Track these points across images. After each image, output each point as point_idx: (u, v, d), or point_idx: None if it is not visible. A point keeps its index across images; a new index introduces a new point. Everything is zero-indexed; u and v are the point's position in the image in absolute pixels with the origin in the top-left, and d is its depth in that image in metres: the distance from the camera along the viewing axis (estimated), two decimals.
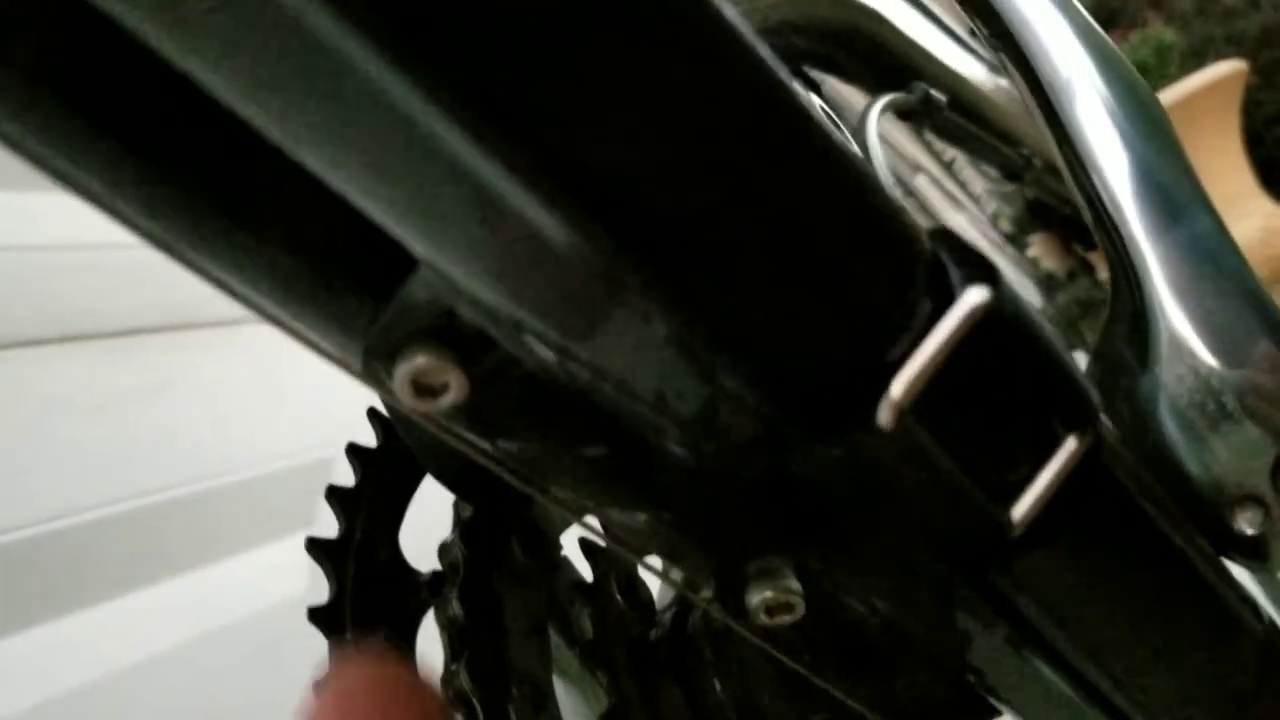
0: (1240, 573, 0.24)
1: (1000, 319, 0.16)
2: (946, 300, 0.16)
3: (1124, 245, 0.24)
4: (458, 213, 0.14)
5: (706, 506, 0.19)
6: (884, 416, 0.15)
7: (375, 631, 0.26)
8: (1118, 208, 0.25)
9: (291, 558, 0.79)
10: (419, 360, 0.17)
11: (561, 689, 0.30)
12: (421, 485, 0.28)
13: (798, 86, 0.15)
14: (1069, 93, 0.28)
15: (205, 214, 0.16)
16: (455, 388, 0.17)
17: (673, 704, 0.28)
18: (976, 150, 0.52)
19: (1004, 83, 0.52)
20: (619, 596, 0.29)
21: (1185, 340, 0.23)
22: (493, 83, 0.12)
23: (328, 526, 0.27)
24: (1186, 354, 0.23)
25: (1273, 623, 0.23)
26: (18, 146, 0.15)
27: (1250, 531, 0.23)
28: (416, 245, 0.15)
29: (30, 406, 0.67)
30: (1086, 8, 0.31)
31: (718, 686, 0.28)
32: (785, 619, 0.20)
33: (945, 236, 0.17)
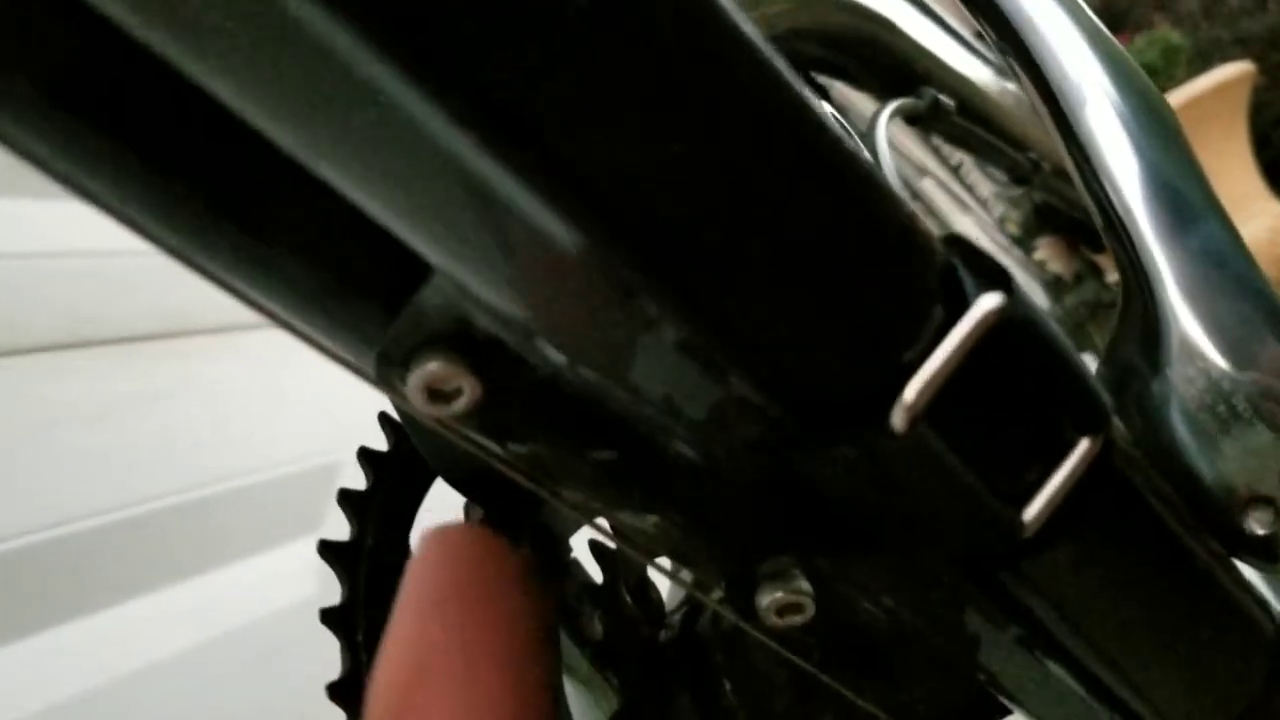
0: (1250, 573, 0.24)
1: (1013, 324, 0.16)
2: (960, 306, 0.16)
3: (1135, 249, 0.24)
4: (470, 221, 0.14)
5: (717, 508, 0.19)
6: (897, 420, 0.15)
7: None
8: (1128, 212, 0.25)
9: (295, 563, 0.79)
10: (432, 366, 0.17)
11: (572, 690, 0.30)
12: (432, 488, 0.28)
13: (811, 94, 0.15)
14: (1079, 97, 0.28)
15: (220, 223, 0.16)
16: (468, 393, 0.17)
17: (683, 706, 0.28)
18: (984, 154, 0.52)
19: (1011, 86, 0.52)
20: (629, 598, 0.29)
21: (1196, 343, 0.23)
22: (506, 93, 0.12)
23: (334, 532, 0.27)
24: (1197, 357, 0.23)
25: None
26: (38, 160, 0.15)
27: (1261, 532, 0.23)
28: (430, 253, 0.15)
29: (34, 413, 0.68)
30: (1093, 9, 0.31)
31: (728, 688, 0.28)
32: (796, 620, 0.20)
33: (958, 243, 0.17)
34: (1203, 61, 3.41)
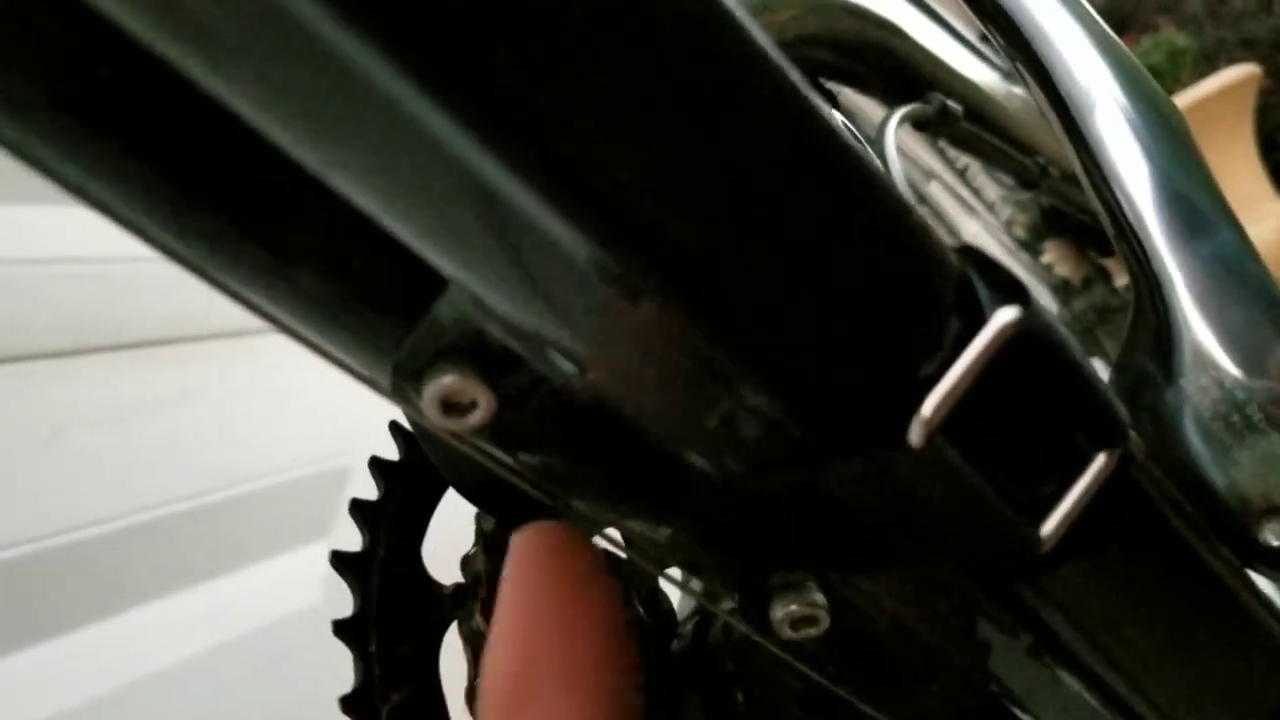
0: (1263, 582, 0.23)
1: (1031, 338, 0.16)
2: (976, 319, 0.16)
3: (1146, 257, 0.24)
4: (485, 233, 0.14)
5: (730, 520, 0.19)
6: (915, 435, 0.15)
7: (399, 644, 0.27)
8: (1139, 219, 0.25)
9: (306, 569, 0.79)
10: (447, 379, 0.17)
11: None
12: (443, 498, 0.28)
13: (824, 104, 0.15)
14: (1088, 103, 0.28)
15: (234, 235, 0.16)
16: (483, 406, 0.17)
17: (694, 715, 0.28)
18: (992, 159, 0.52)
19: (1019, 91, 0.51)
20: (641, 608, 0.29)
21: (1209, 352, 0.23)
22: (521, 104, 0.12)
23: (343, 537, 0.27)
24: (1210, 366, 0.23)
25: None
26: (51, 171, 0.15)
27: (1276, 544, 0.23)
28: (444, 264, 0.15)
29: (43, 419, 0.68)
30: (1097, 11, 0.31)
31: (739, 698, 0.28)
32: (810, 632, 0.20)
33: (973, 254, 0.17)
34: (1208, 64, 3.40)
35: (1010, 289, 0.16)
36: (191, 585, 0.72)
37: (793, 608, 0.19)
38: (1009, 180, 0.59)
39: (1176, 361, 0.23)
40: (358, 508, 0.27)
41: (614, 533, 0.22)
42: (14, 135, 0.14)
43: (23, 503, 0.65)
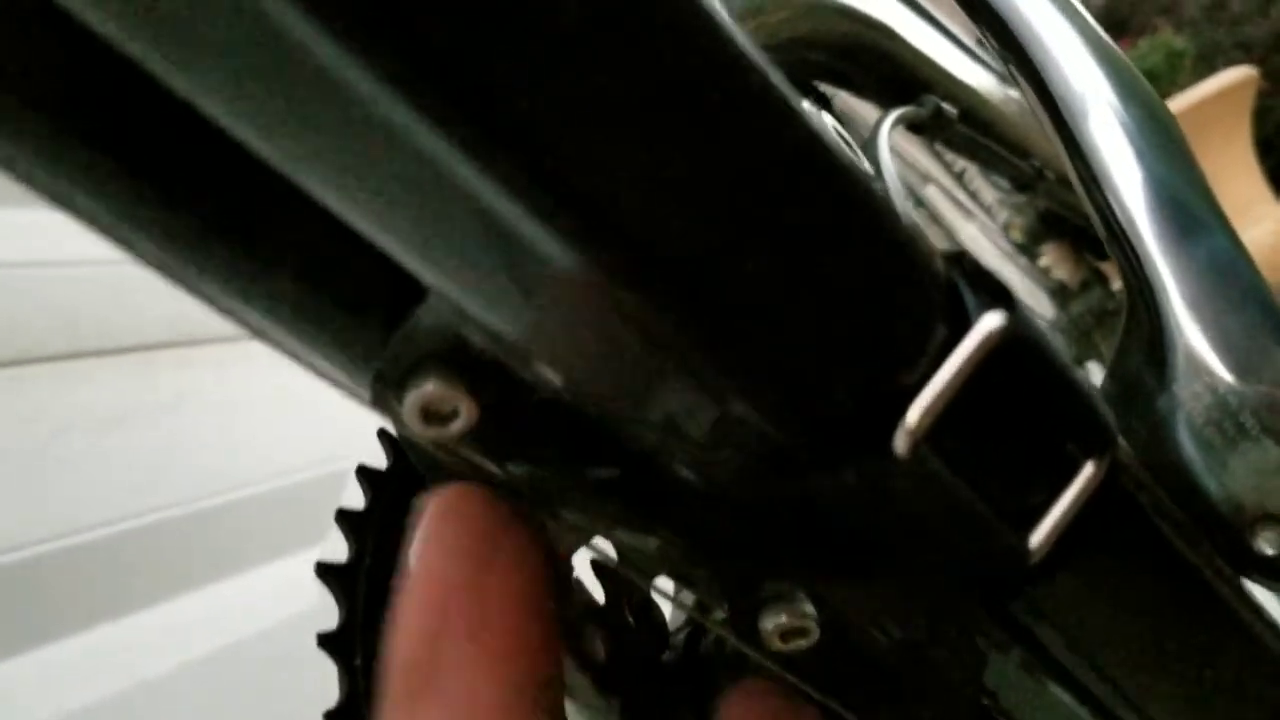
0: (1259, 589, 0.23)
1: (1016, 345, 0.16)
2: (962, 325, 0.16)
3: (1139, 262, 0.24)
4: (464, 242, 0.14)
5: (718, 530, 0.19)
6: (899, 444, 0.15)
7: None
8: (1132, 224, 0.24)
9: (305, 573, 0.79)
10: (428, 387, 0.17)
11: (573, 712, 0.30)
12: None
13: (809, 109, 0.15)
14: (1082, 108, 0.27)
15: (213, 242, 0.16)
16: (465, 414, 0.17)
17: None
18: (987, 162, 0.52)
19: (1015, 94, 0.51)
20: (632, 619, 0.28)
21: (1202, 358, 0.23)
22: (506, 113, 0.12)
23: (341, 542, 0.27)
24: (1204, 372, 0.23)
25: None
26: (23, 174, 0.15)
27: (1270, 552, 0.22)
28: (424, 274, 0.15)
29: (41, 423, 0.68)
30: (1095, 14, 0.31)
31: None
32: (800, 644, 0.20)
33: (960, 260, 0.17)
34: (1206, 66, 3.40)
35: (997, 295, 0.16)
36: (190, 590, 0.72)
37: (782, 619, 0.19)
38: (1005, 183, 0.59)
39: (1169, 367, 0.23)
40: (344, 517, 0.27)
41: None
42: None
43: (20, 507, 0.65)
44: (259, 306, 0.17)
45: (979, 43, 0.46)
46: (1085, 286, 0.87)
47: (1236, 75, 2.80)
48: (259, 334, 0.18)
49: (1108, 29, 0.31)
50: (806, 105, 0.20)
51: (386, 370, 0.18)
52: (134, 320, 0.75)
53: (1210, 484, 0.23)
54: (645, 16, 0.13)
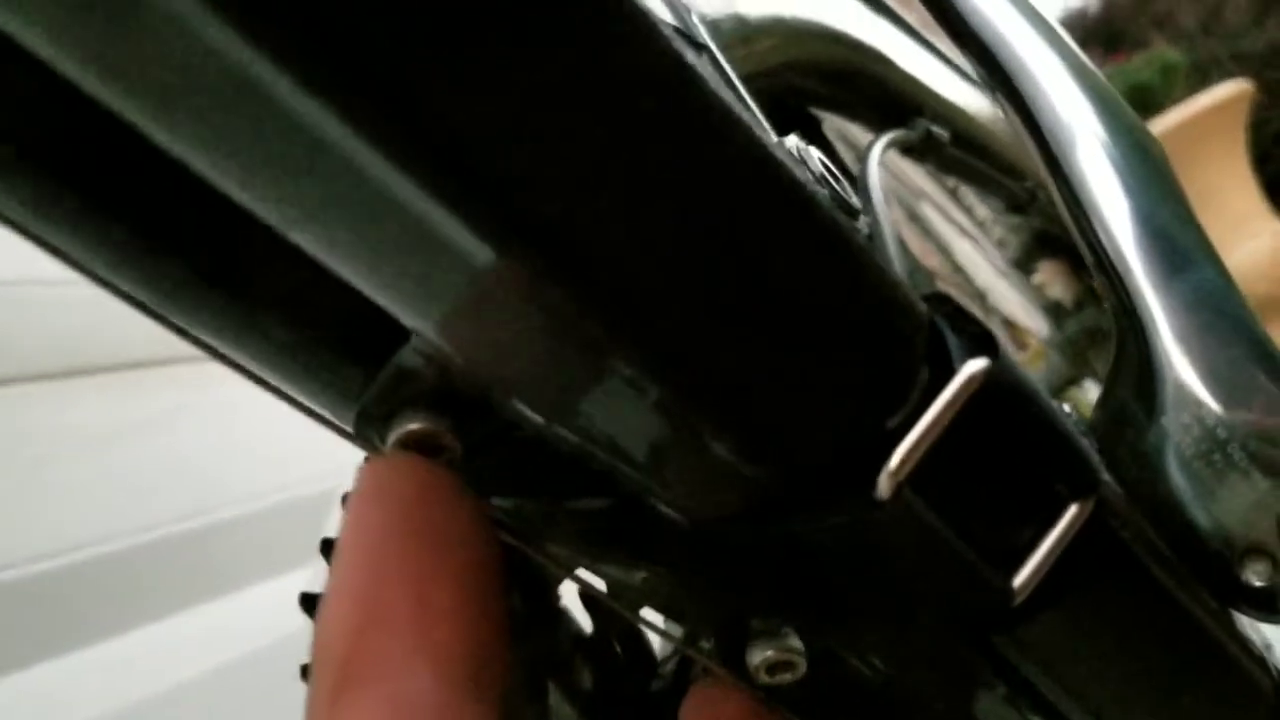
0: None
1: (999, 389, 0.16)
2: (945, 369, 0.16)
3: (1127, 295, 0.24)
4: (442, 286, 0.14)
5: (703, 567, 0.19)
6: (883, 488, 0.15)
7: None
8: (1120, 257, 0.24)
9: (298, 592, 0.79)
10: (412, 425, 0.17)
11: None
12: None
13: (785, 153, 0.15)
14: (1068, 139, 0.27)
15: (198, 284, 0.16)
16: (450, 453, 0.17)
17: None
18: (980, 184, 0.52)
19: None
20: (620, 649, 0.28)
21: (1191, 390, 0.23)
22: (475, 161, 0.12)
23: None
24: (1192, 403, 0.23)
25: None
26: (11, 221, 0.15)
27: (1259, 583, 0.22)
28: (403, 316, 0.15)
29: (34, 441, 0.68)
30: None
31: None
32: (786, 677, 0.20)
33: (942, 302, 0.17)
34: (1201, 79, 3.41)
35: (980, 339, 0.16)
36: (187, 607, 0.72)
37: (769, 653, 0.19)
38: (999, 203, 0.59)
39: (1158, 399, 0.23)
40: (328, 547, 0.27)
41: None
42: None
43: (12, 526, 0.64)
44: (242, 345, 0.17)
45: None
46: (1080, 305, 0.87)
47: (1232, 89, 2.81)
48: (241, 371, 0.18)
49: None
50: (792, 141, 0.21)
51: (371, 407, 0.18)
52: (125, 338, 0.75)
53: (1199, 516, 0.22)
54: (622, 71, 0.13)
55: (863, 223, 0.23)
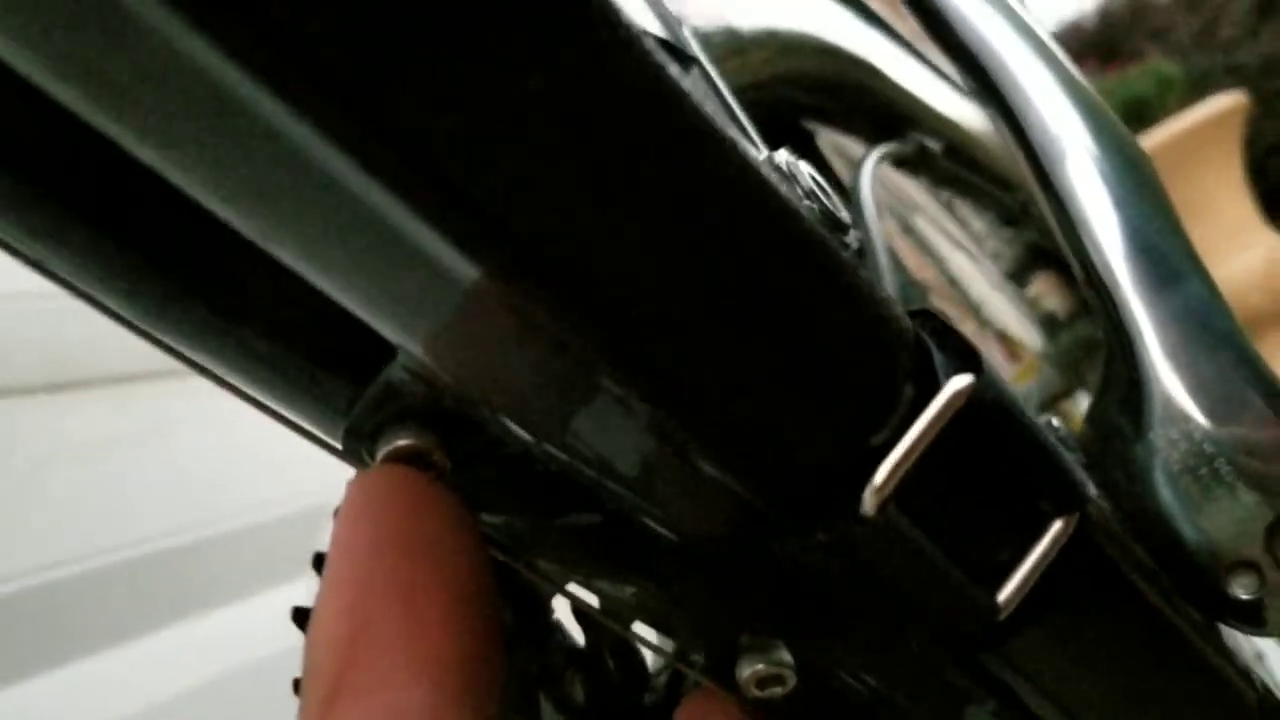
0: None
1: (984, 406, 0.16)
2: (930, 386, 0.16)
3: (1117, 310, 0.24)
4: (427, 305, 0.14)
5: (693, 583, 0.19)
6: (868, 504, 0.15)
7: None
8: (1110, 272, 0.25)
9: (289, 606, 0.79)
10: (401, 441, 0.17)
11: None
12: None
13: (772, 169, 0.15)
14: (1059, 154, 0.28)
15: (187, 303, 0.16)
16: (438, 468, 0.17)
17: None
18: (972, 197, 0.52)
19: None
20: (612, 662, 0.28)
21: (1179, 405, 0.23)
22: (458, 180, 0.12)
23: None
24: (1180, 419, 0.23)
25: (1267, 689, 0.22)
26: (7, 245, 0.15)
27: (1245, 597, 0.22)
28: (389, 334, 0.15)
29: (27, 454, 0.67)
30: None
31: None
32: (776, 691, 0.20)
33: (929, 319, 0.17)
34: (1196, 91, 3.42)
35: (965, 356, 0.16)
36: (178, 622, 0.72)
37: (759, 667, 0.19)
38: (990, 213, 0.60)
39: (1147, 414, 0.23)
40: (320, 561, 0.27)
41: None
42: None
43: (6, 539, 0.64)
44: (228, 360, 0.17)
45: None
46: (1074, 317, 0.87)
47: (1227, 101, 2.81)
48: (230, 389, 0.18)
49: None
50: (782, 155, 0.21)
51: (359, 423, 0.18)
52: (116, 351, 0.75)
53: (1186, 530, 0.23)
54: (613, 98, 0.13)
55: (853, 237, 0.23)
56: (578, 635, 0.29)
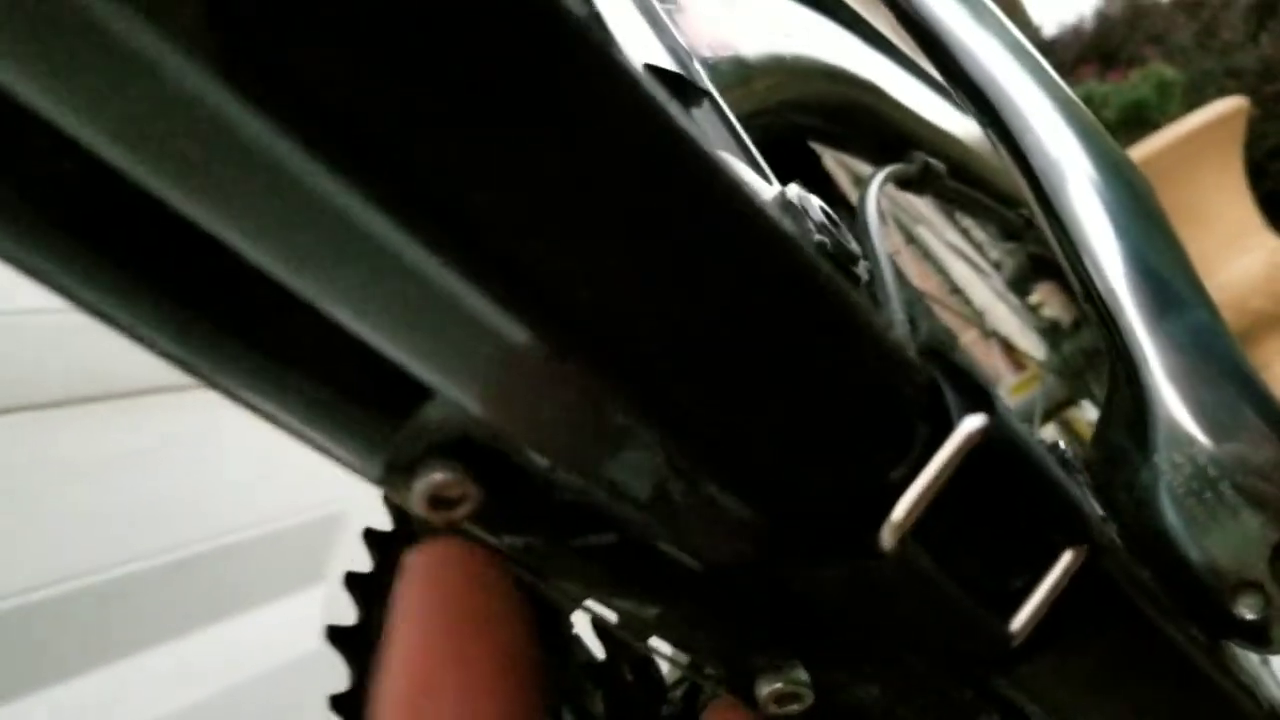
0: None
1: (997, 444, 0.16)
2: (944, 424, 0.16)
3: (1121, 336, 0.25)
4: (462, 354, 0.15)
5: (712, 606, 0.20)
6: (886, 539, 0.16)
7: None
8: (1114, 298, 0.25)
9: (302, 613, 0.79)
10: (437, 476, 0.18)
11: None
12: None
13: (788, 213, 0.16)
14: (1060, 180, 0.28)
15: (230, 344, 0.17)
16: (471, 499, 0.18)
17: None
18: (976, 213, 0.53)
19: None
20: (630, 675, 0.29)
21: (1183, 428, 0.24)
22: (492, 230, 0.13)
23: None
24: (1184, 442, 0.24)
25: (1272, 708, 0.23)
26: (51, 282, 0.16)
27: (1250, 617, 0.23)
28: (426, 378, 0.16)
29: (36, 469, 0.68)
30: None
31: None
32: (794, 708, 0.20)
33: (940, 359, 0.17)
34: (1196, 94, 3.43)
35: (977, 395, 0.17)
36: (187, 634, 0.72)
37: (777, 685, 0.20)
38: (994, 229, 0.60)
39: (1151, 438, 0.24)
40: (352, 581, 0.28)
41: None
42: (10, 249, 0.15)
43: (16, 553, 0.65)
44: (274, 400, 0.18)
45: None
46: (1077, 325, 0.87)
47: (1227, 105, 2.82)
48: (273, 422, 0.19)
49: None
50: (794, 191, 0.21)
51: (396, 458, 0.18)
52: (126, 366, 0.75)
53: (1192, 552, 0.23)
54: (625, 135, 0.14)
55: (863, 268, 0.24)
56: (596, 649, 0.30)
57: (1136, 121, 3.23)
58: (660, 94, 0.14)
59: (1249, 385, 0.25)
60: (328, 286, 0.14)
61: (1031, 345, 0.96)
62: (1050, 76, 0.31)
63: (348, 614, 0.28)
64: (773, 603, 0.19)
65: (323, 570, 0.79)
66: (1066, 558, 0.17)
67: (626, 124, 0.13)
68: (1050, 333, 0.90)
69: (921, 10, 0.32)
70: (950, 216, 0.92)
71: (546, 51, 0.13)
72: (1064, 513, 0.18)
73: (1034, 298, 0.91)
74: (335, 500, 0.82)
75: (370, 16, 0.12)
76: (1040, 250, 0.62)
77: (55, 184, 0.15)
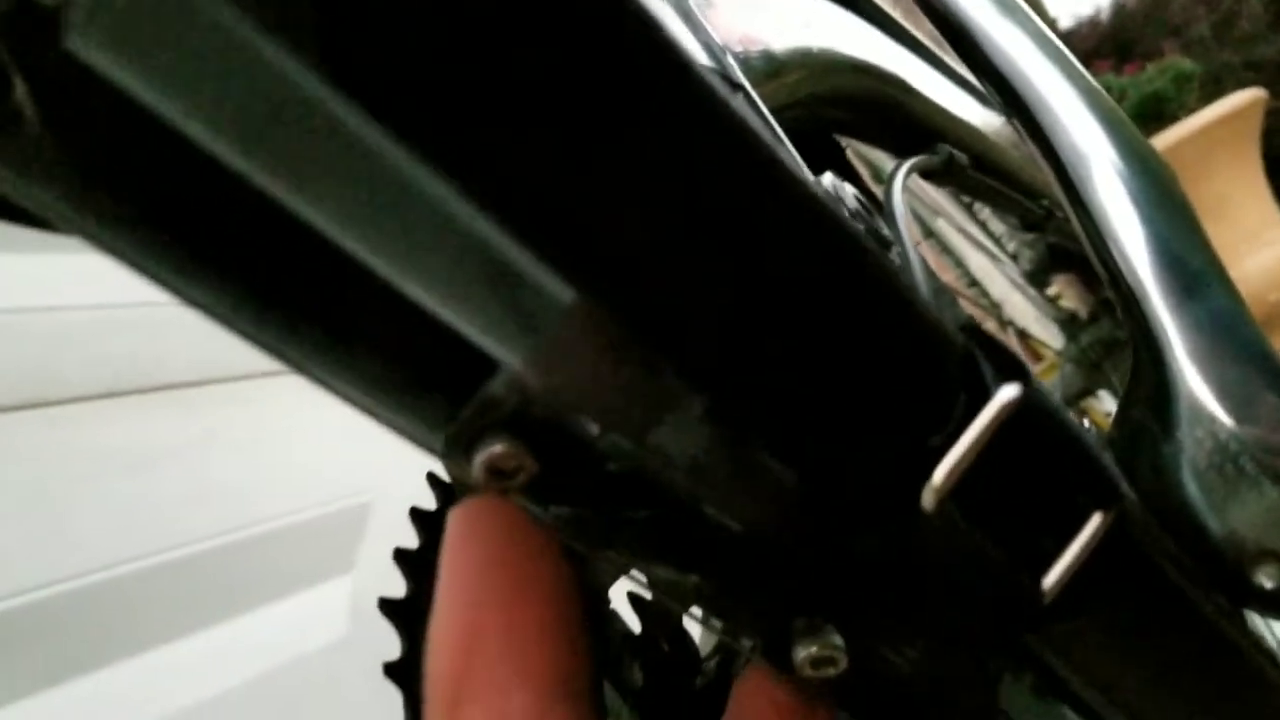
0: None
1: (1031, 412, 0.17)
2: (980, 393, 0.17)
3: (1144, 318, 0.26)
4: (529, 326, 0.16)
5: (752, 571, 0.21)
6: (927, 501, 0.17)
7: None
8: (1138, 283, 0.26)
9: (331, 603, 0.81)
10: (496, 449, 0.19)
11: None
12: None
13: (832, 198, 0.17)
14: (1084, 166, 0.29)
15: (303, 326, 0.18)
16: (527, 470, 0.19)
17: None
18: (998, 204, 0.54)
19: None
20: (666, 647, 0.30)
21: (1204, 406, 0.25)
22: (541, 191, 0.14)
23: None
24: (1205, 420, 0.25)
25: None
26: (150, 274, 0.17)
27: (1270, 585, 0.24)
28: (491, 352, 0.17)
29: (77, 461, 0.69)
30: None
31: None
32: (829, 672, 0.21)
33: (976, 334, 0.18)
34: (1215, 87, 3.41)
35: (1011, 366, 0.18)
36: (218, 623, 0.73)
37: (813, 649, 0.21)
38: (1016, 220, 0.61)
39: (1173, 416, 0.25)
40: (401, 556, 0.29)
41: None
42: (115, 245, 0.16)
43: (56, 543, 0.66)
44: (344, 378, 0.19)
45: None
46: (1095, 317, 0.88)
47: (1245, 97, 2.80)
48: (344, 398, 0.20)
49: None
50: (828, 179, 0.22)
51: (459, 433, 0.19)
52: (161, 361, 0.77)
53: (1213, 523, 0.24)
54: (688, 130, 0.15)
55: (894, 254, 0.25)
56: (632, 622, 0.31)
57: (1154, 114, 3.22)
58: (721, 86, 0.15)
59: (1269, 366, 0.25)
60: (414, 269, 0.15)
61: (1049, 335, 0.96)
62: (1075, 67, 0.32)
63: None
64: (811, 567, 0.20)
65: (351, 560, 0.80)
66: (1095, 520, 0.18)
67: (696, 112, 0.15)
68: (1068, 323, 0.90)
69: (950, 4, 0.33)
70: (969, 209, 0.92)
71: (626, 48, 0.14)
72: (1093, 477, 0.19)
73: (1052, 289, 0.91)
74: (364, 490, 0.83)
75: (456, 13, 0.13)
76: (1059, 241, 0.62)
77: (155, 175, 0.16)
